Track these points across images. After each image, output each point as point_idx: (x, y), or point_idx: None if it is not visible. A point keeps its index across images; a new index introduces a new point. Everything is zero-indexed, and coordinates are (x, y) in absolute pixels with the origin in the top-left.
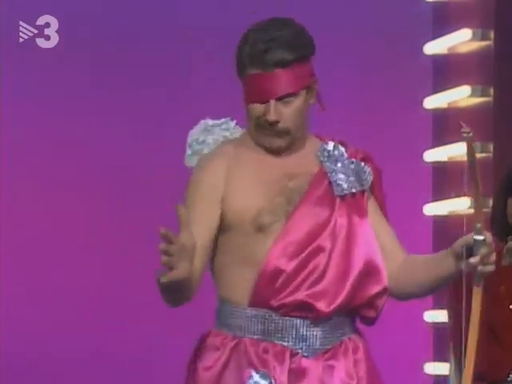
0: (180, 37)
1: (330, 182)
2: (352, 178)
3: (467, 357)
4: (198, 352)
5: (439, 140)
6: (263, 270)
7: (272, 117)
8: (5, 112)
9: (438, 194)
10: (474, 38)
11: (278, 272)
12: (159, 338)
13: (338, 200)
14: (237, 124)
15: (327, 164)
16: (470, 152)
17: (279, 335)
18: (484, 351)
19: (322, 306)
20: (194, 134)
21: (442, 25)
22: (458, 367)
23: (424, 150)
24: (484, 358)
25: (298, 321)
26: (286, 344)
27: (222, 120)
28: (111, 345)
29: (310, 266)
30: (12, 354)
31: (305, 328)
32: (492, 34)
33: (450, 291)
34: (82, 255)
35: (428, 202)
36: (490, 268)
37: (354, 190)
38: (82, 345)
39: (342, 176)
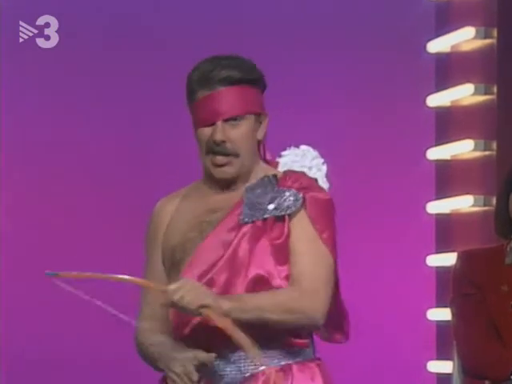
0: (180, 36)
1: (241, 212)
2: (268, 206)
3: None
4: None
5: (442, 138)
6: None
7: (218, 136)
8: (5, 112)
9: (441, 192)
10: (477, 36)
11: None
12: None
13: (246, 228)
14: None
15: (247, 195)
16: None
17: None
18: (486, 350)
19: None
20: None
21: (445, 23)
22: (461, 366)
23: (427, 148)
24: (486, 357)
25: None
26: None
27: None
28: (112, 345)
29: None
30: (13, 353)
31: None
32: (495, 32)
33: (452, 289)
34: (83, 255)
35: (431, 200)
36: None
37: (264, 217)
38: (83, 345)
39: (255, 204)
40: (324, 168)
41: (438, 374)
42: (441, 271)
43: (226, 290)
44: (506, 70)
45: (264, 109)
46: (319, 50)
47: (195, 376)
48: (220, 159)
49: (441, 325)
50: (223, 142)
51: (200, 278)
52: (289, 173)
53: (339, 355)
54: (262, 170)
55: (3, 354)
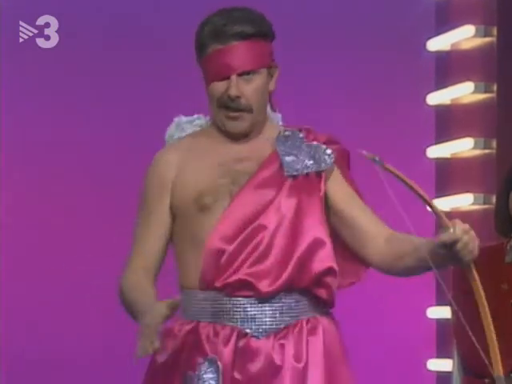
0: (180, 36)
1: (281, 165)
2: (307, 160)
3: (489, 341)
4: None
5: (442, 136)
6: (206, 251)
7: (233, 91)
8: (5, 112)
9: (441, 191)
10: (477, 34)
11: (220, 252)
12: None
13: (288, 181)
14: (210, 120)
15: (281, 147)
16: (396, 174)
17: (228, 316)
18: (486, 348)
19: (263, 285)
20: (170, 130)
21: (445, 21)
22: (461, 364)
23: (427, 147)
24: (486, 355)
25: (245, 300)
26: (234, 325)
27: (195, 116)
28: (112, 345)
29: (252, 245)
30: (13, 353)
31: (253, 308)
32: (495, 31)
33: (453, 286)
34: (83, 255)
35: (431, 199)
36: (473, 251)
37: (306, 171)
38: (83, 345)
39: (293, 158)
40: None
41: (437, 372)
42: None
43: (274, 236)
44: (505, 68)
45: (274, 60)
46: (319, 50)
47: (157, 342)
48: (233, 114)
49: (441, 323)
50: (238, 97)
51: (248, 222)
52: (302, 127)
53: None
54: (272, 124)
55: (3, 354)
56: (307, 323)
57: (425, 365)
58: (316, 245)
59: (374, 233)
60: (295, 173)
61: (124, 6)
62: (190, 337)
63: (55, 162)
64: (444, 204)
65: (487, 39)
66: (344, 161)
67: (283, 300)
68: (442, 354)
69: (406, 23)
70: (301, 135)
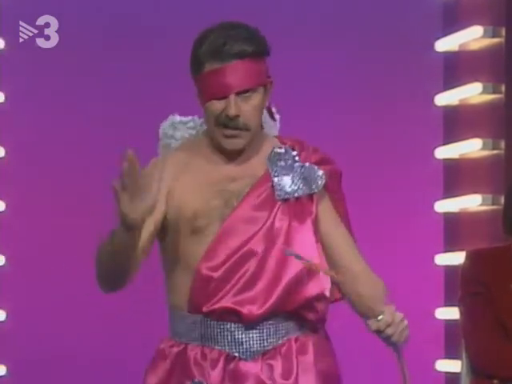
0: (180, 36)
1: (273, 186)
2: (299, 182)
3: None
4: (151, 360)
5: (450, 137)
6: (195, 275)
7: (232, 111)
8: (5, 112)
9: (449, 191)
10: (485, 34)
11: (208, 277)
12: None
13: (279, 204)
14: (204, 122)
15: (273, 167)
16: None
17: (216, 340)
18: (494, 349)
19: (250, 310)
20: (164, 127)
21: (453, 22)
22: (470, 364)
23: (435, 147)
24: (494, 356)
25: (232, 325)
26: (222, 348)
27: (189, 118)
28: (112, 345)
29: (241, 271)
30: (13, 353)
31: (239, 332)
32: (503, 31)
33: (460, 288)
34: (84, 255)
35: (439, 199)
36: (399, 340)
37: (296, 195)
38: (83, 345)
39: (286, 179)
40: None
41: (446, 372)
42: (449, 270)
43: (263, 261)
44: None
45: (270, 76)
46: (324, 51)
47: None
48: (231, 132)
49: (449, 324)
50: (237, 116)
51: (237, 249)
52: (296, 142)
53: (346, 353)
54: (267, 138)
55: (6, 353)
56: (296, 341)
57: (433, 365)
58: (305, 270)
59: (347, 266)
60: (286, 196)
61: (124, 6)
62: (179, 359)
63: (55, 161)
64: (452, 205)
65: (495, 40)
66: (336, 181)
67: (270, 322)
68: (450, 354)
69: (414, 24)
70: (294, 153)
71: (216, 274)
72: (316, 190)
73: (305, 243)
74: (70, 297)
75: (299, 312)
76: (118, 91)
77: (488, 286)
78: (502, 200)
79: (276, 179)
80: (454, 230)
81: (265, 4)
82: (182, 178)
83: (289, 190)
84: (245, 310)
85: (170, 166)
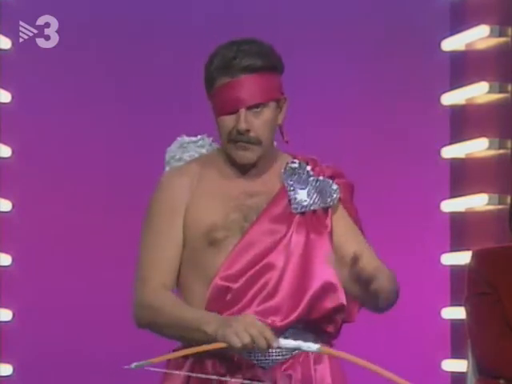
0: (180, 36)
1: (289, 200)
2: (315, 196)
3: None
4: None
5: (457, 136)
6: (212, 286)
7: (242, 125)
8: (5, 112)
9: (456, 191)
10: (492, 34)
11: (226, 289)
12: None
13: (296, 217)
14: (213, 141)
15: (288, 181)
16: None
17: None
18: (501, 349)
19: (274, 321)
20: (171, 151)
21: (460, 21)
22: (476, 364)
23: (442, 147)
24: (500, 356)
25: None
26: (241, 356)
27: (198, 137)
28: (112, 345)
29: (261, 283)
30: (15, 354)
31: None
32: (510, 31)
33: (467, 288)
34: (84, 255)
35: (446, 199)
36: None
37: (313, 208)
38: (92, 345)
39: (302, 193)
40: None
41: (452, 372)
42: (455, 270)
43: (283, 273)
44: None
45: (283, 93)
46: (332, 50)
47: (275, 341)
48: (242, 144)
49: (455, 323)
50: (247, 130)
51: (257, 261)
52: (309, 158)
53: (353, 353)
54: (279, 153)
55: (15, 351)
56: (312, 353)
57: (439, 365)
58: (328, 284)
59: (364, 264)
60: (303, 210)
61: (124, 6)
62: (197, 368)
63: (56, 161)
64: (459, 204)
65: (502, 39)
66: (348, 194)
67: (290, 332)
68: (456, 354)
69: (420, 23)
70: (308, 168)
71: (235, 285)
72: (331, 204)
73: (324, 256)
74: (76, 297)
75: (319, 324)
76: (118, 91)
77: (494, 286)
78: (509, 199)
79: (292, 193)
80: (461, 229)
81: (268, 5)
82: (196, 191)
83: (305, 203)
84: (268, 320)
85: (183, 186)
